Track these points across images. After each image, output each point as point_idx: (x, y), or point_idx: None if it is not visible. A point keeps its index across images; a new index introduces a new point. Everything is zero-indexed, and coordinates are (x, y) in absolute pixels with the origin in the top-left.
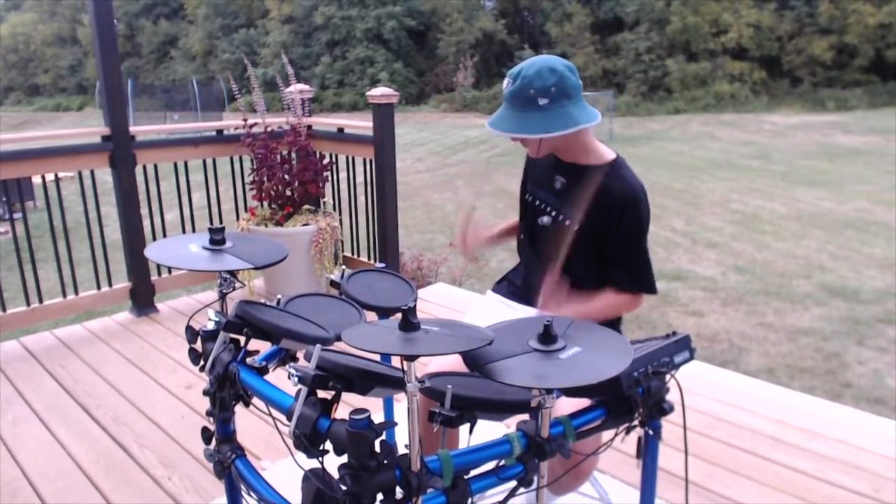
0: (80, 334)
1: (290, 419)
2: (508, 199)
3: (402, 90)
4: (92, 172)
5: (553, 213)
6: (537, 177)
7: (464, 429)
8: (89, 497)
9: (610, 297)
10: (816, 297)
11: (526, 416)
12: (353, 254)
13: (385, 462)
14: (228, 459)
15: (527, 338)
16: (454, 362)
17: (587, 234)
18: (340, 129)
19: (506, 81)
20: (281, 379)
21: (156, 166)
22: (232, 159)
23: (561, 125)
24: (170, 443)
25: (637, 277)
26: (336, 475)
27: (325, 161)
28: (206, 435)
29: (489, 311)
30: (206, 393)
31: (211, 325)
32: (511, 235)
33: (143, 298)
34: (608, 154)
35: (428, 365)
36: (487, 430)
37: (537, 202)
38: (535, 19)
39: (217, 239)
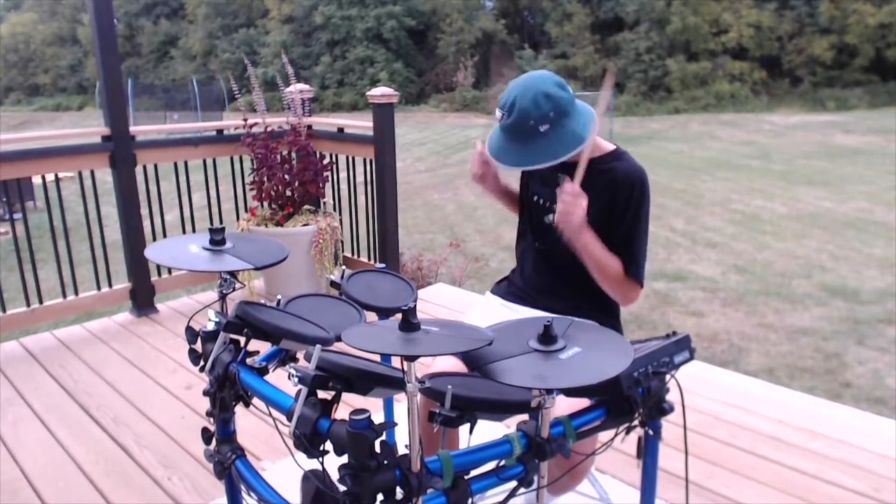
0: (80, 335)
1: (290, 419)
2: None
3: (402, 90)
4: (92, 172)
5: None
6: (539, 175)
7: (464, 429)
8: (89, 497)
9: (616, 264)
10: (816, 297)
11: (526, 416)
12: (353, 254)
13: (385, 462)
14: (228, 460)
15: (527, 338)
16: (456, 363)
17: (593, 225)
18: (340, 129)
19: (499, 114)
20: (281, 379)
21: (156, 166)
22: (232, 159)
23: (567, 145)
24: (170, 443)
25: (633, 264)
26: (336, 475)
27: (325, 161)
28: (206, 435)
29: (489, 311)
30: (206, 393)
31: (211, 326)
32: (506, 199)
33: (143, 299)
34: (608, 146)
35: (431, 365)
36: (487, 430)
37: (541, 201)
38: (535, 19)
39: (217, 239)
